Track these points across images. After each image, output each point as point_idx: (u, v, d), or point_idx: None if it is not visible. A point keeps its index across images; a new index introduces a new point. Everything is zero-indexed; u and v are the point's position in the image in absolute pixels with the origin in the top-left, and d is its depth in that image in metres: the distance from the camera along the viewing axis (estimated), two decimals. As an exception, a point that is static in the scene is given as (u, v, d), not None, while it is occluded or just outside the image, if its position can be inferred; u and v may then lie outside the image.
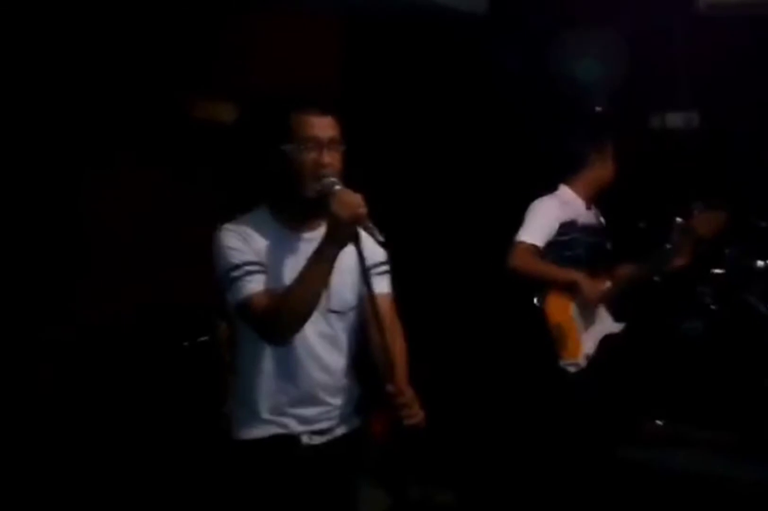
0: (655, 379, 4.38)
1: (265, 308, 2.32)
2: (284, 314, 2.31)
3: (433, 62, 5.11)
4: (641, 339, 4.07)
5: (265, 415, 2.45)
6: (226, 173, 4.47)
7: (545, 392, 3.77)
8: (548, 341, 3.68)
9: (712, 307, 4.37)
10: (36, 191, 3.88)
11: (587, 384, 3.67)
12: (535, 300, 3.74)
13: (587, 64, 4.69)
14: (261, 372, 2.44)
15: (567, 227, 3.75)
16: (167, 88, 4.31)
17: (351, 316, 2.50)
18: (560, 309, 3.73)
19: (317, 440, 2.49)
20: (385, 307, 2.39)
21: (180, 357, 3.94)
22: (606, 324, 3.80)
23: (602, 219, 3.95)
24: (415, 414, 2.35)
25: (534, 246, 3.67)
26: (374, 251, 2.39)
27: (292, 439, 2.46)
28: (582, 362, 3.67)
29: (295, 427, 2.46)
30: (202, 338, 3.97)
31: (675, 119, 4.85)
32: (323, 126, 2.38)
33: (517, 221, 3.76)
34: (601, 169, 3.85)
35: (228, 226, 2.42)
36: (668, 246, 3.67)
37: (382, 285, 2.41)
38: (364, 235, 2.29)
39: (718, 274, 4.03)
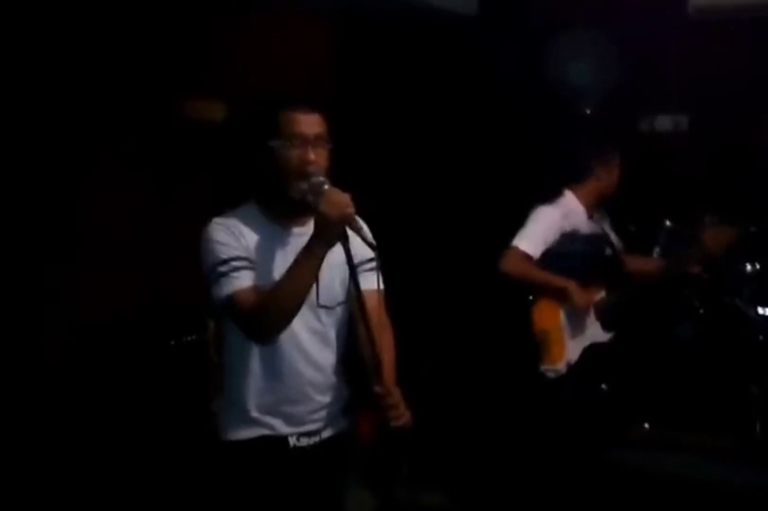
0: (644, 383, 4.37)
1: (251, 305, 2.30)
2: (271, 311, 2.30)
3: (426, 62, 5.13)
4: (632, 344, 4.07)
5: (254, 413, 2.44)
6: (223, 173, 4.46)
7: (525, 395, 3.79)
8: (531, 345, 3.70)
9: (701, 311, 4.37)
10: (34, 191, 3.87)
11: (565, 390, 3.69)
12: (525, 305, 3.74)
13: (578, 67, 4.70)
14: (249, 370, 2.43)
15: (568, 237, 3.75)
16: (164, 88, 4.30)
17: (339, 311, 2.50)
18: (549, 316, 3.75)
19: (305, 441, 2.48)
20: (373, 303, 2.36)
21: (167, 356, 3.93)
22: (596, 333, 3.80)
23: (605, 226, 3.94)
24: (402, 415, 2.35)
25: (527, 254, 3.67)
26: (362, 248, 2.37)
27: (280, 440, 2.46)
28: (562, 368, 3.69)
29: (283, 428, 2.46)
30: (190, 337, 3.95)
31: (664, 122, 4.87)
32: (310, 123, 2.37)
33: (512, 223, 3.76)
34: (605, 180, 3.84)
35: (217, 220, 2.42)
36: (686, 251, 3.68)
37: (370, 281, 2.39)
38: (351, 233, 2.29)
39: (701, 276, 4.02)
